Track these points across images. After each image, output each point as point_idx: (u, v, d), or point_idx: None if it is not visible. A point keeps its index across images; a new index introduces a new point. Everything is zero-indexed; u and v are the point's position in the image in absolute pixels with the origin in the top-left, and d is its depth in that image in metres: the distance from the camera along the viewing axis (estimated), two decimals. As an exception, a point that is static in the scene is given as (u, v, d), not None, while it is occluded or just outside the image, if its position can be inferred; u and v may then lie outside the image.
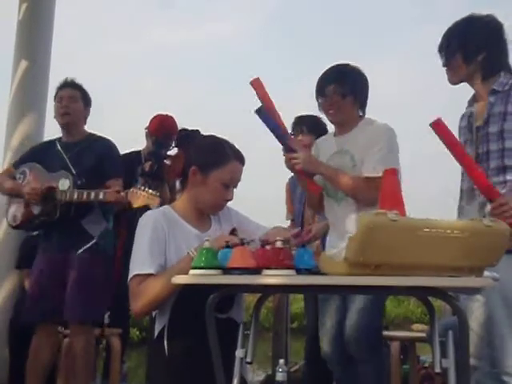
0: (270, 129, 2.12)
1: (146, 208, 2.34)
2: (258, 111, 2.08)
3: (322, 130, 2.97)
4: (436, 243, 1.27)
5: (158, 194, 2.41)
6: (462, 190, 1.99)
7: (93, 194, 2.53)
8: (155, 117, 3.48)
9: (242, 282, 1.39)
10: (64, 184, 2.63)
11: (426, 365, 3.53)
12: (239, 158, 1.78)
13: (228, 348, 1.52)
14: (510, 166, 1.83)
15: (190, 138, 1.83)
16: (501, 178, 1.83)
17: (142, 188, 2.44)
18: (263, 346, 2.37)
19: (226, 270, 1.40)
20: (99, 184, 2.61)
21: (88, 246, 2.65)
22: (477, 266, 1.34)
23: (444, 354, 1.35)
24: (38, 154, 2.83)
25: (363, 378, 2.25)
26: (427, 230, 1.27)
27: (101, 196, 2.51)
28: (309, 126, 2.92)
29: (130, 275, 1.65)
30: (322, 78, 2.26)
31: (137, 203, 2.40)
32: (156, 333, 1.68)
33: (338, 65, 2.28)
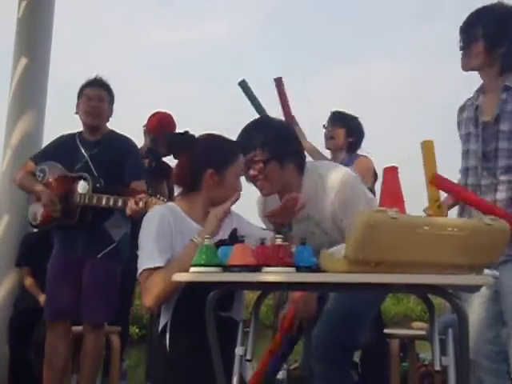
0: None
1: None
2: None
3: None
4: (436, 241, 1.27)
5: (166, 200, 2.40)
6: (466, 185, 1.95)
7: (112, 201, 2.52)
8: (153, 114, 3.47)
9: (241, 279, 1.39)
10: (83, 187, 2.62)
11: (426, 362, 3.54)
12: (241, 150, 1.84)
13: (227, 346, 1.52)
14: None
15: (189, 141, 1.83)
16: (507, 177, 1.82)
17: (158, 196, 2.42)
18: (263, 343, 2.36)
19: (226, 268, 1.40)
20: (119, 184, 2.60)
21: (108, 249, 2.68)
22: (477, 263, 1.34)
23: (444, 352, 1.35)
24: (59, 151, 2.81)
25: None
26: (427, 227, 1.26)
27: (119, 203, 2.49)
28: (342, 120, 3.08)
29: (140, 270, 1.66)
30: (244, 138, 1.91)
31: None
32: (160, 328, 1.69)
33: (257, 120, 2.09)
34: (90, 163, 2.70)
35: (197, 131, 1.86)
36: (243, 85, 2.14)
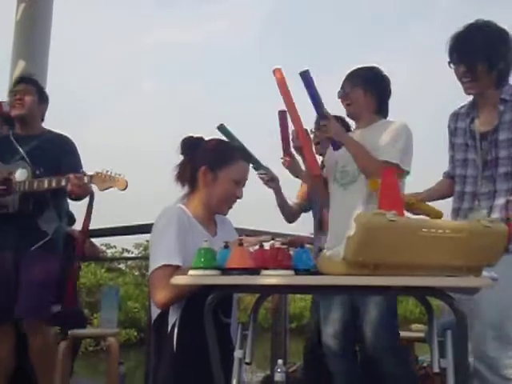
0: (309, 93, 2.06)
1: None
2: (303, 73, 2.01)
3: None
4: (434, 243, 1.27)
5: (122, 175, 2.29)
6: (464, 193, 2.00)
7: (54, 182, 2.40)
8: None
9: (240, 282, 1.39)
10: (22, 174, 2.52)
11: (425, 365, 3.53)
12: (245, 158, 1.87)
13: (223, 349, 1.52)
14: None
15: (195, 145, 1.87)
16: (506, 185, 1.88)
17: (106, 170, 2.32)
18: (262, 346, 2.36)
19: (225, 271, 1.40)
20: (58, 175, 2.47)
21: (42, 242, 2.54)
22: (475, 265, 1.35)
23: (442, 354, 1.35)
24: None
25: (390, 378, 2.27)
26: (426, 230, 1.27)
27: (63, 183, 2.36)
28: None
29: (157, 264, 1.64)
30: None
31: (103, 186, 2.30)
32: (169, 328, 1.67)
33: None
34: (26, 157, 2.58)
35: (197, 132, 1.90)
36: (222, 129, 2.15)
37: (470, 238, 1.29)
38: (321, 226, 2.89)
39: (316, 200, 2.94)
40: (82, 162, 2.72)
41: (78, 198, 2.58)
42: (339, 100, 2.21)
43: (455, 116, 2.11)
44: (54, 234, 2.60)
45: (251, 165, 2.31)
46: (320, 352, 3.08)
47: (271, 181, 2.51)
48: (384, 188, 1.50)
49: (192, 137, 1.90)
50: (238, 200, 1.85)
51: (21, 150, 2.63)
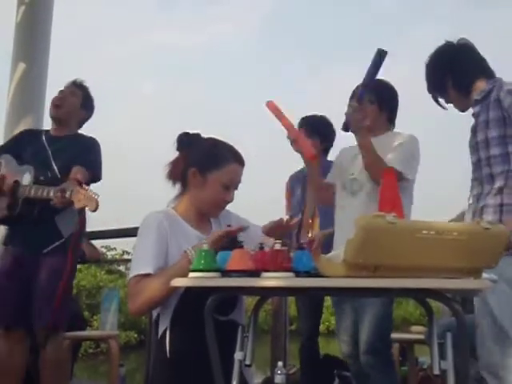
0: (370, 70, 2.05)
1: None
2: (381, 52, 2.01)
3: (328, 133, 3.00)
4: (434, 245, 1.27)
5: (97, 196, 2.28)
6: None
7: (45, 192, 2.39)
8: None
9: (240, 284, 1.38)
10: (26, 178, 2.53)
11: (425, 367, 3.54)
12: (238, 160, 1.80)
13: (230, 350, 1.52)
14: (496, 173, 1.86)
15: (190, 142, 1.84)
16: (492, 186, 1.87)
17: (85, 187, 2.31)
18: (262, 348, 2.36)
19: (225, 273, 1.40)
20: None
21: (56, 244, 2.51)
22: (475, 267, 1.34)
23: (443, 356, 1.35)
24: (20, 145, 2.72)
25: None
26: (425, 232, 1.27)
27: (51, 194, 2.36)
28: (313, 127, 2.92)
29: (131, 275, 1.66)
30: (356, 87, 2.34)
31: (78, 204, 2.29)
32: (159, 334, 1.68)
33: None
34: (51, 158, 2.59)
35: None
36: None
37: (469, 239, 1.29)
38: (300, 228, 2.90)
39: (300, 204, 2.99)
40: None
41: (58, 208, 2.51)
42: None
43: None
44: (69, 238, 2.54)
45: None
46: (317, 353, 3.10)
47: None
48: (383, 190, 1.51)
49: (188, 133, 1.87)
50: (228, 203, 1.81)
51: (48, 149, 2.62)
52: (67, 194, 2.30)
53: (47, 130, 2.78)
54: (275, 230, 1.78)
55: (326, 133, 3.03)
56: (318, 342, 3.09)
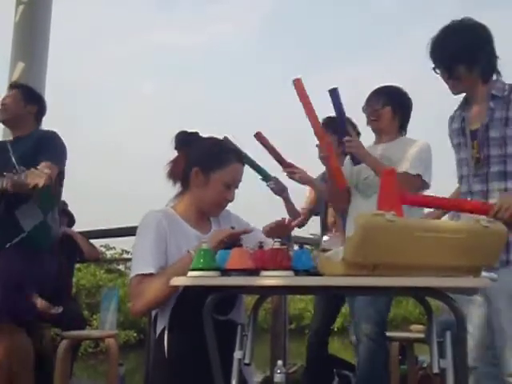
0: (336, 109, 2.26)
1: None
2: (332, 91, 2.20)
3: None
4: (433, 244, 1.27)
5: (47, 171, 2.24)
6: (461, 193, 2.01)
7: (4, 183, 2.32)
8: None
9: (239, 283, 1.38)
10: None
11: (425, 365, 3.53)
12: (240, 159, 1.82)
13: (229, 350, 1.52)
14: (510, 172, 1.85)
15: (189, 141, 1.84)
16: (502, 185, 1.86)
17: (37, 168, 2.28)
18: (262, 347, 2.36)
19: (224, 272, 1.40)
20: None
21: (17, 240, 2.48)
22: (474, 266, 1.35)
23: (442, 355, 1.35)
24: None
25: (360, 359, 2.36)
26: (425, 230, 1.27)
27: (4, 183, 2.30)
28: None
29: (132, 275, 1.66)
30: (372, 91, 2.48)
31: (31, 182, 2.22)
32: (157, 333, 1.68)
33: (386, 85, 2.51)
34: (15, 162, 2.54)
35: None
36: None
37: (469, 238, 1.29)
38: (325, 227, 2.96)
39: (322, 203, 3.02)
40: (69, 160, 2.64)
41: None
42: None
43: (451, 119, 2.11)
44: (33, 231, 2.52)
45: (260, 177, 2.45)
46: (324, 353, 3.10)
47: (280, 191, 2.71)
48: (383, 189, 1.50)
49: (186, 132, 1.87)
50: (229, 202, 1.81)
51: (12, 156, 2.59)
52: (23, 176, 2.24)
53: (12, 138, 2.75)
54: (276, 229, 1.79)
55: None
56: (328, 342, 3.09)
